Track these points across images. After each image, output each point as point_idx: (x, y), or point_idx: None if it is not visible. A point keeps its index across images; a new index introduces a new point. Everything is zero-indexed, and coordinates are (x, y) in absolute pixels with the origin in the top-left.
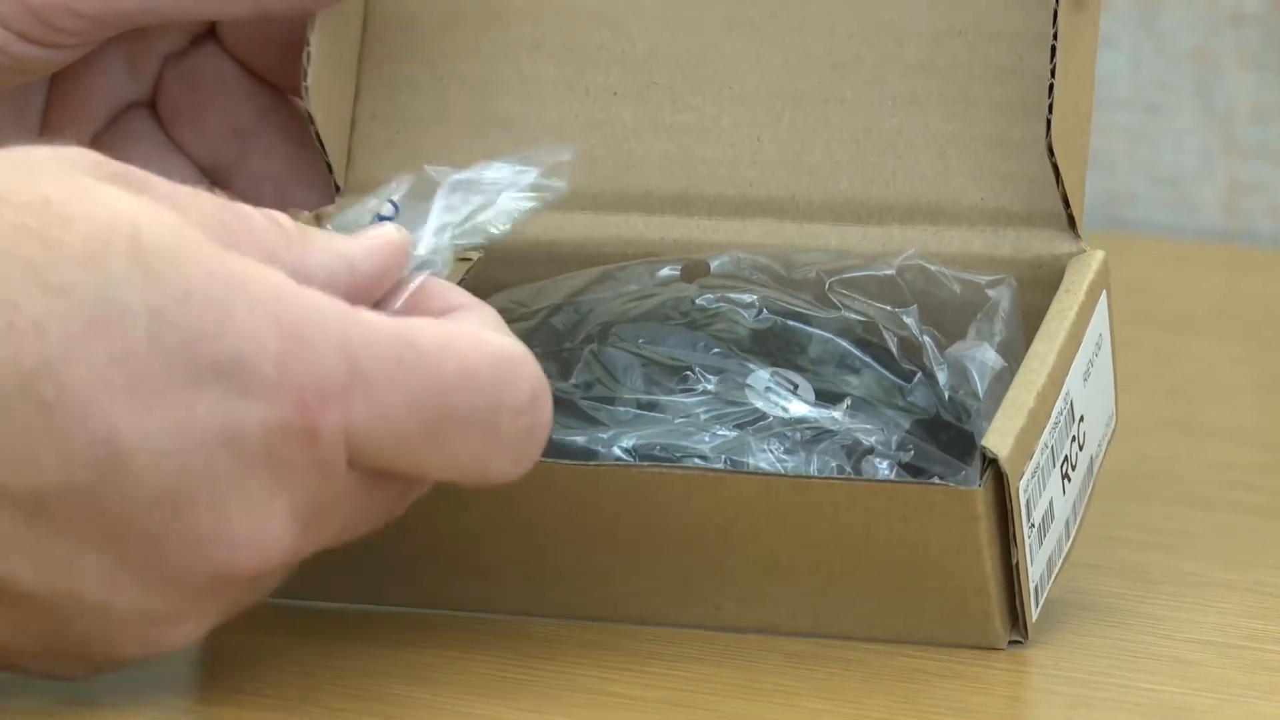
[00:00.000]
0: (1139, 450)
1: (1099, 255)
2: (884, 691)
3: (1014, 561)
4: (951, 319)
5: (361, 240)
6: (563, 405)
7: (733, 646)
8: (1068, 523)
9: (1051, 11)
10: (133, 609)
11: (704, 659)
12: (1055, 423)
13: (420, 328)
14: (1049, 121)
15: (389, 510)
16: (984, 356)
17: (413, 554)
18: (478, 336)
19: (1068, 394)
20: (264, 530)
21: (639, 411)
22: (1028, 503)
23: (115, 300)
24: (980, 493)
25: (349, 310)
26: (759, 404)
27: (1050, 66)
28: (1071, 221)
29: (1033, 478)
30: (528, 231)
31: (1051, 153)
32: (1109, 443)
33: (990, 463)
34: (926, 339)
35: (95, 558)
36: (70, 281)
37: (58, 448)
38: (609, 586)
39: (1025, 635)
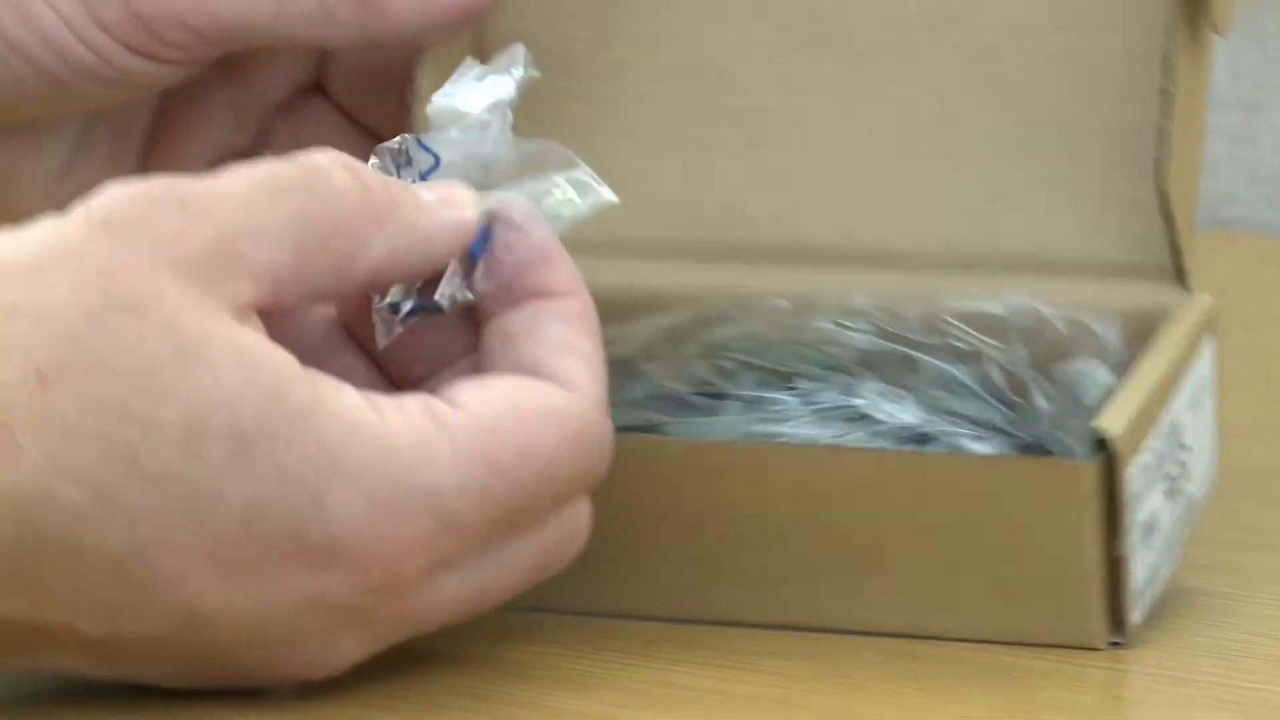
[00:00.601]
0: (1241, 450)
1: (1206, 299)
2: (986, 689)
3: (1118, 554)
4: (1058, 357)
5: (440, 215)
6: (670, 400)
7: (828, 643)
8: (1169, 544)
9: (1163, 70)
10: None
11: (799, 655)
12: (1162, 431)
13: (498, 432)
14: (1159, 167)
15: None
16: (1096, 374)
17: None
18: (555, 420)
19: (1175, 412)
20: (337, 655)
21: (749, 403)
22: (1135, 495)
23: (210, 489)
24: (1090, 469)
25: (440, 453)
26: (867, 408)
27: (1163, 120)
28: (1181, 275)
29: (1141, 473)
30: (633, 280)
31: (1166, 206)
32: (1207, 498)
33: (1100, 446)
34: (1031, 373)
35: (164, 669)
36: (167, 472)
37: (138, 612)
38: (707, 582)
39: (1125, 636)
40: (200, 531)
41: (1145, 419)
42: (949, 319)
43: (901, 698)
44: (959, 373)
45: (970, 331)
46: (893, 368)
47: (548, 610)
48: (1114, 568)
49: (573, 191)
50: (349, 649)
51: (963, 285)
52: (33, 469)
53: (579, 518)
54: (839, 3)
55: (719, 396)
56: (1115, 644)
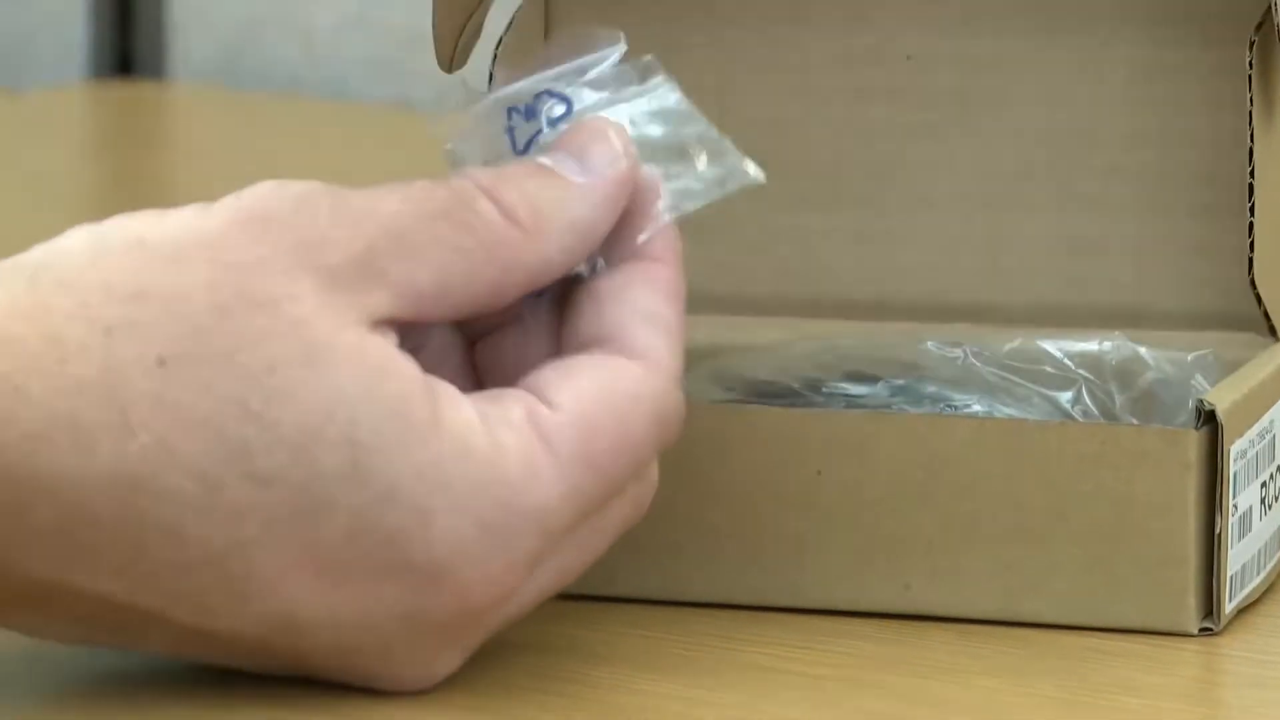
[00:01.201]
0: None
1: None
2: (1056, 671)
3: (1217, 532)
4: (1152, 393)
5: (594, 194)
6: (774, 393)
7: (905, 625)
8: (1261, 554)
9: (1246, 116)
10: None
11: (875, 637)
12: (1263, 431)
13: (595, 431)
14: (1251, 244)
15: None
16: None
17: None
18: (641, 405)
19: (1274, 423)
20: (431, 670)
21: (851, 398)
22: (1236, 476)
23: (319, 496)
24: (1194, 439)
25: (546, 470)
26: (962, 405)
27: (1247, 173)
28: (1273, 329)
29: (1241, 460)
30: (720, 338)
31: (1258, 297)
32: None
33: (1206, 419)
34: (1124, 402)
35: (254, 663)
36: (277, 474)
37: (235, 609)
38: (798, 562)
39: (1219, 622)
40: (305, 536)
41: (1249, 408)
42: (1046, 346)
43: (971, 677)
44: (1053, 397)
45: (1065, 362)
46: (987, 391)
47: (632, 599)
48: (1211, 550)
49: (711, 170)
50: (444, 663)
51: (1053, 336)
52: (142, 451)
53: (649, 477)
54: (913, 53)
55: (819, 391)
56: (1206, 630)
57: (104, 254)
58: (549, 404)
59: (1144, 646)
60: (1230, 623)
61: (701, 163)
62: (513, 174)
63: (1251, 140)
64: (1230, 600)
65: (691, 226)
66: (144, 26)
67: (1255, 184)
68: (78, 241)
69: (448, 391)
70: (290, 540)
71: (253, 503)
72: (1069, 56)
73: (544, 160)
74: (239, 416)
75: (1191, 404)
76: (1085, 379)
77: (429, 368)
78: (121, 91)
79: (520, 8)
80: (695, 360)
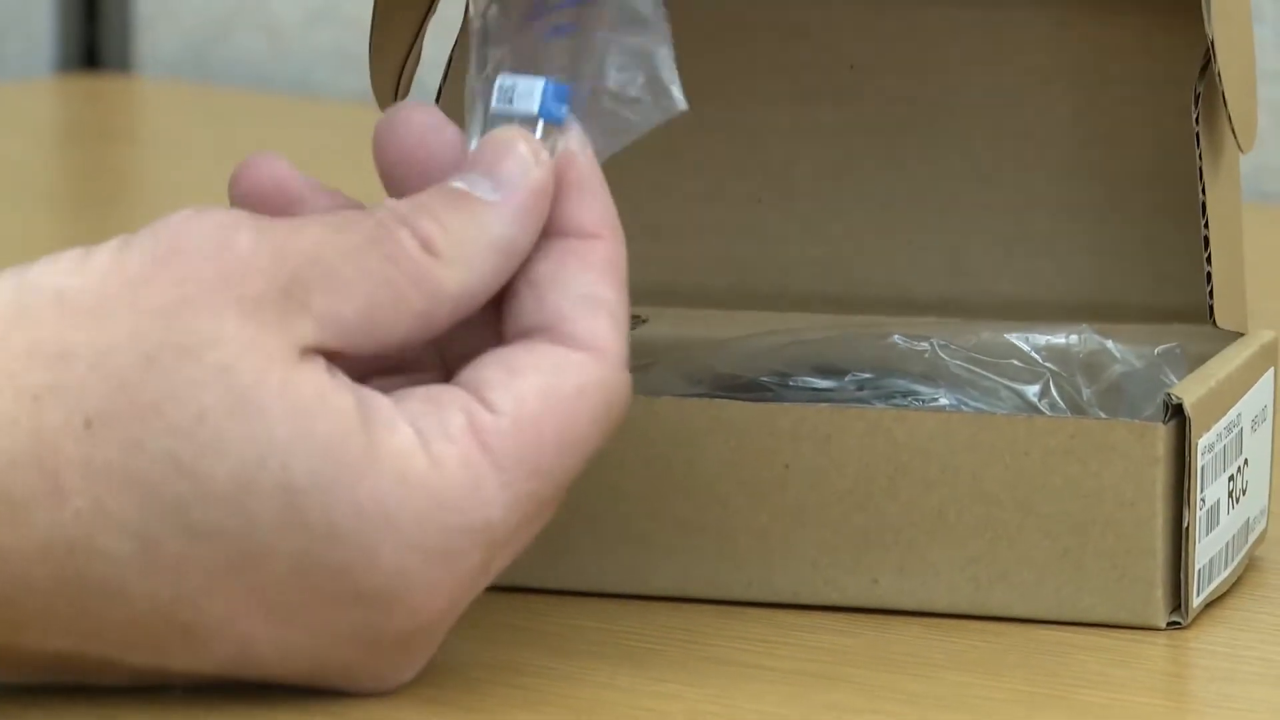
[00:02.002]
0: None
1: (1269, 334)
2: (1025, 664)
3: (1185, 525)
4: (1119, 386)
5: (506, 208)
6: (738, 386)
7: (874, 621)
8: (1226, 550)
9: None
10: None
11: (843, 631)
12: (1229, 425)
13: (539, 435)
14: (1210, 291)
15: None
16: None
17: (561, 524)
18: (585, 399)
19: (1240, 416)
20: (389, 678)
21: (816, 390)
22: (1204, 469)
23: (259, 543)
24: (1163, 433)
25: (489, 485)
26: (929, 397)
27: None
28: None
29: (1209, 454)
30: (686, 333)
31: (1213, 319)
32: (1258, 540)
33: (1173, 413)
34: (1091, 395)
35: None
36: (215, 526)
37: (189, 652)
38: (765, 556)
39: (1186, 616)
40: (249, 581)
41: (1217, 402)
42: (1013, 340)
43: (939, 671)
44: (1020, 390)
45: (1032, 355)
46: (954, 385)
47: (598, 593)
48: (1178, 543)
49: (648, 94)
50: (407, 669)
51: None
52: (76, 517)
53: None
54: (855, 63)
55: (786, 385)
56: (1174, 624)
57: (25, 314)
58: (490, 407)
59: (1112, 640)
60: (1198, 616)
61: (635, 87)
62: (428, 203)
63: (1203, 194)
64: (1198, 594)
65: (648, 225)
66: (110, 20)
67: (1210, 235)
68: None
69: (382, 413)
70: (235, 587)
71: (193, 555)
72: (1014, 63)
73: (457, 184)
74: (171, 473)
75: (1159, 398)
76: (1053, 372)
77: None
78: (88, 85)
79: (457, 43)
80: (662, 354)
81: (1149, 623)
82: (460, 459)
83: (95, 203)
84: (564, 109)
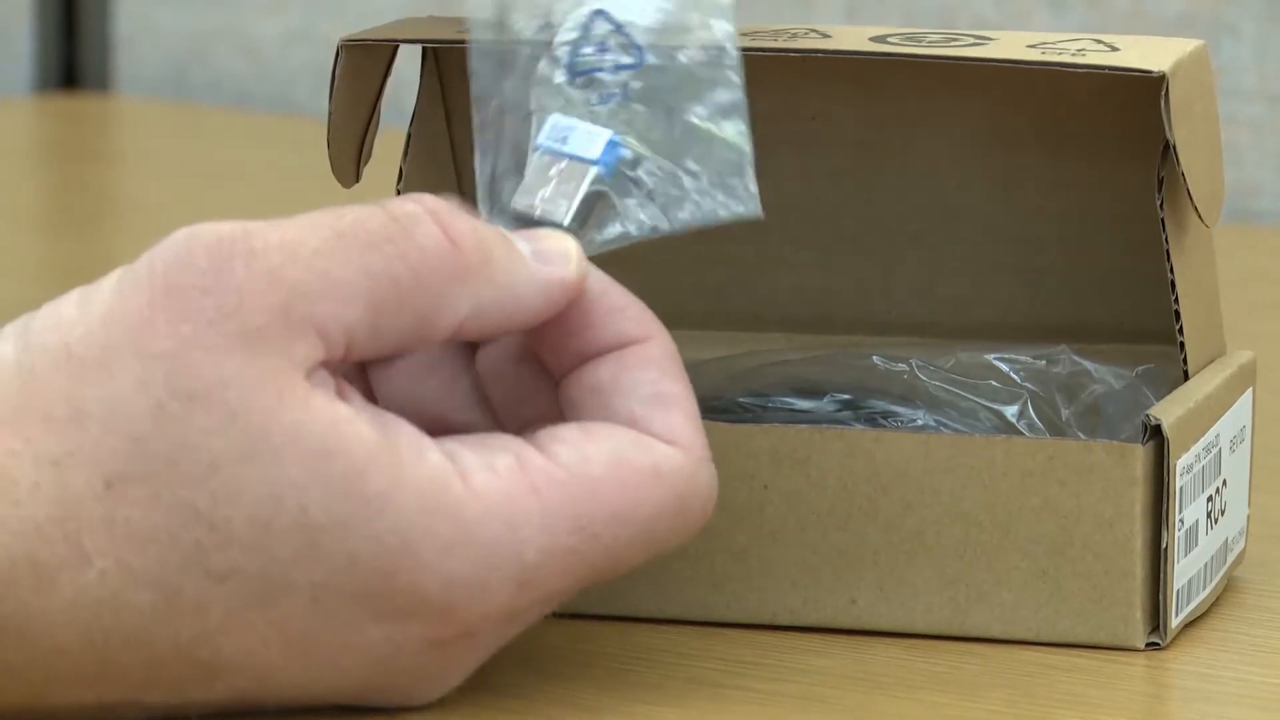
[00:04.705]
0: (1266, 444)
1: (1247, 354)
2: (1004, 685)
3: (1163, 546)
4: (1098, 407)
5: (536, 274)
6: (715, 409)
7: (854, 643)
8: (1210, 563)
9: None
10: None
11: (822, 651)
12: (1208, 446)
13: (595, 497)
14: (1185, 373)
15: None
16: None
17: None
18: (659, 482)
19: (1219, 437)
20: (416, 694)
21: (794, 412)
22: (1182, 490)
23: (279, 579)
24: (1141, 454)
25: (526, 520)
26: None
27: (1174, 305)
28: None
29: (1187, 475)
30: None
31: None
32: (1236, 561)
33: (1152, 434)
34: (1069, 415)
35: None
36: (234, 567)
37: (205, 686)
38: (744, 577)
39: (1165, 636)
40: (269, 616)
41: (1195, 423)
42: (992, 360)
43: (918, 692)
44: (999, 410)
45: (1011, 376)
46: (933, 405)
47: (577, 614)
48: (1157, 564)
49: (713, 199)
50: (432, 690)
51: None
52: (100, 577)
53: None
54: (816, 114)
55: (765, 406)
56: (1152, 645)
57: (34, 377)
58: (550, 456)
59: (1091, 661)
60: (1176, 637)
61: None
62: (469, 215)
63: (1171, 273)
64: (1176, 615)
65: (622, 253)
66: (90, 39)
67: (1180, 309)
68: (5, 360)
69: (409, 440)
70: (255, 623)
71: (213, 597)
72: (975, 112)
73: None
74: (189, 521)
75: (1138, 419)
76: (1031, 393)
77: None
78: (67, 105)
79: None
80: None
81: (1127, 643)
82: (503, 494)
83: (75, 222)
84: (616, 166)
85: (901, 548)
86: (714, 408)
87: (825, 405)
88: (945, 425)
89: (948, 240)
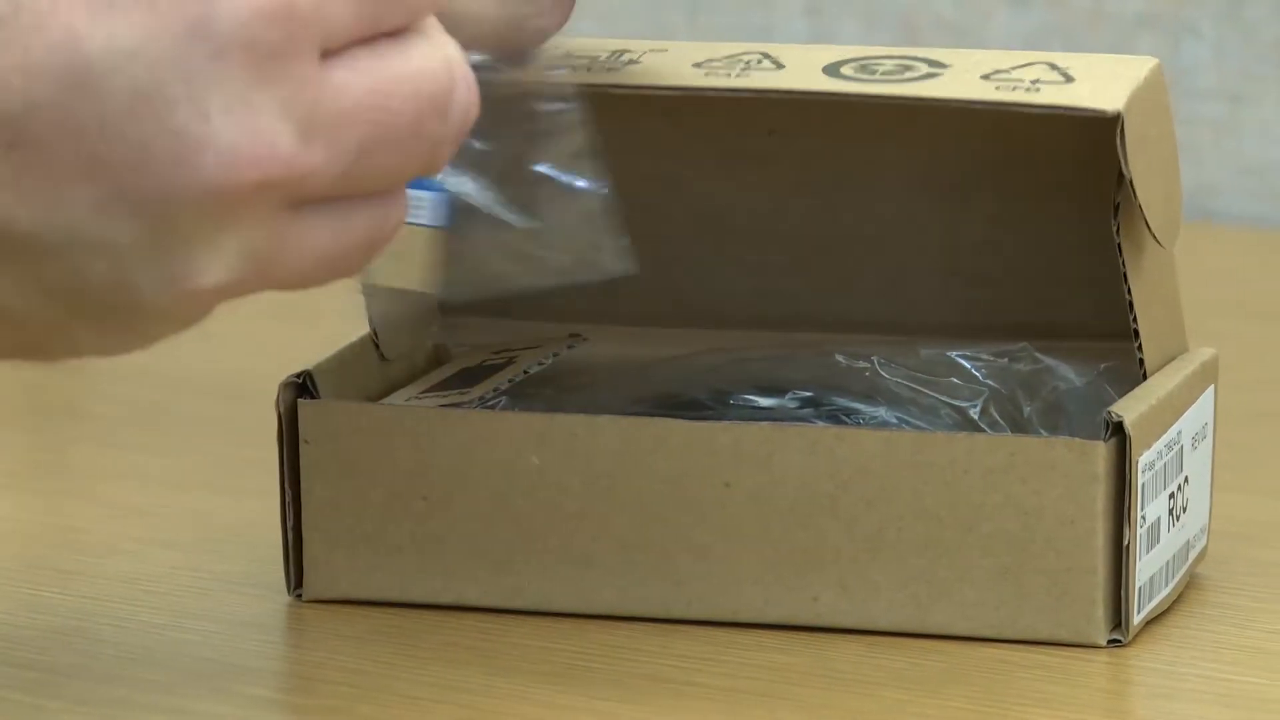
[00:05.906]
0: (1227, 440)
1: (1209, 351)
2: (965, 681)
3: (1125, 543)
4: (1059, 404)
5: None
6: (678, 404)
7: (815, 640)
8: (1172, 560)
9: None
10: (137, 242)
11: (784, 649)
12: (1170, 443)
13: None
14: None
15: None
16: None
17: (503, 544)
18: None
19: (1181, 434)
20: (255, 135)
21: (757, 408)
22: (1144, 487)
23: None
24: (1103, 451)
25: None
26: (870, 414)
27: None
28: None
29: (1149, 472)
30: (627, 351)
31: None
32: (1198, 558)
33: (1114, 430)
34: (1030, 412)
35: (84, 187)
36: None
37: (18, 64)
38: (706, 574)
39: (1127, 633)
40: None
41: (1157, 420)
42: (954, 357)
43: (880, 689)
44: (961, 408)
45: (973, 373)
46: (895, 403)
47: (538, 611)
48: (1119, 561)
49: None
50: (267, 125)
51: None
52: None
53: (397, 203)
54: (774, 128)
55: (727, 403)
56: (1114, 641)
57: None
58: None
59: (1053, 658)
60: (1138, 634)
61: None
62: None
63: (1129, 294)
64: (1138, 611)
65: None
66: None
67: (1139, 328)
68: None
69: None
70: None
71: None
72: (933, 133)
73: None
74: None
75: (1100, 415)
76: (993, 390)
77: None
78: None
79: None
80: (601, 373)
81: (1089, 640)
82: None
83: None
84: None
85: (863, 545)
86: (676, 405)
87: (787, 403)
88: (907, 422)
89: (909, 244)
